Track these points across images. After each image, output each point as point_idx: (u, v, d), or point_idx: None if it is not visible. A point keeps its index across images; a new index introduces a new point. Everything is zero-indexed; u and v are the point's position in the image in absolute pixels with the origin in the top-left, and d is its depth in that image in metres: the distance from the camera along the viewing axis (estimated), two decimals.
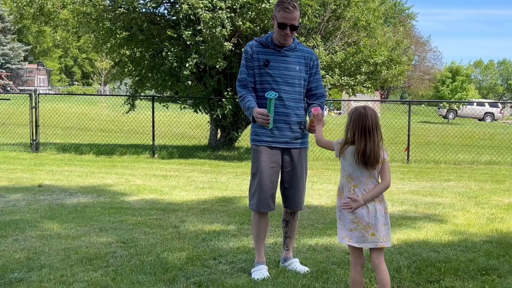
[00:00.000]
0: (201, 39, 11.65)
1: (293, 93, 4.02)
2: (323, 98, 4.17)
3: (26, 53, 60.66)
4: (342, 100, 29.09)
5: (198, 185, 8.59)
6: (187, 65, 11.79)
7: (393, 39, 15.15)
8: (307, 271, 4.05)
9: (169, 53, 12.34)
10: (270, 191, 4.00)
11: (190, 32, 11.70)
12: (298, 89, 4.05)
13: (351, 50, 13.86)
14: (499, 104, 42.14)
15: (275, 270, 4.07)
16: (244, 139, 14.60)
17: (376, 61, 13.62)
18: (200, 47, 11.78)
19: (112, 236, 5.11)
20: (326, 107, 37.88)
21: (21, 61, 56.44)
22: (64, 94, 34.43)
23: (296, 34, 4.29)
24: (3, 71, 52.18)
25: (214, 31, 11.29)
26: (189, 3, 11.33)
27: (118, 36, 12.93)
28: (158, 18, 13.41)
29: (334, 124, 20.49)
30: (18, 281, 3.80)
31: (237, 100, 13.02)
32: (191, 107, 14.70)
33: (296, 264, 4.16)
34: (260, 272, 3.93)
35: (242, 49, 12.31)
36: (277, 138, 4.00)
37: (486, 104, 40.95)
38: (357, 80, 13.62)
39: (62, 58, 72.79)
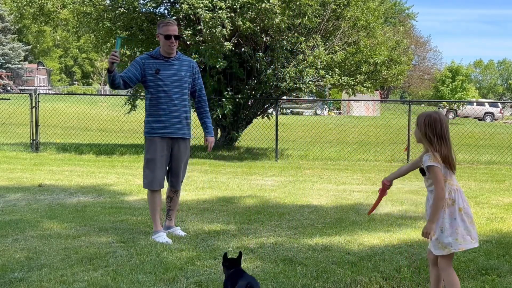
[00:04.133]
0: (201, 39, 11.65)
1: (181, 94, 5.08)
2: (206, 101, 5.38)
3: (26, 53, 60.66)
4: (342, 100, 29.08)
5: (198, 185, 8.59)
6: None
7: (393, 39, 15.13)
8: (185, 235, 5.17)
9: None
10: (161, 173, 5.05)
11: (190, 32, 11.70)
12: (185, 90, 5.13)
13: (351, 50, 13.84)
14: (499, 104, 42.12)
15: (275, 270, 4.08)
16: (244, 139, 14.60)
17: (376, 61, 13.61)
18: (200, 47, 11.78)
19: (112, 236, 5.11)
20: (326, 106, 37.85)
21: (21, 61, 56.44)
22: (64, 94, 34.44)
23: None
24: (3, 71, 52.16)
25: (214, 31, 11.29)
26: (189, 3, 11.33)
27: (118, 35, 12.94)
28: (158, 18, 13.40)
29: (334, 124, 20.49)
30: (18, 280, 3.80)
31: (237, 100, 13.06)
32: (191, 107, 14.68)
33: (178, 231, 5.23)
34: (161, 237, 4.91)
35: (243, 49, 12.48)
36: (168, 130, 5.03)
37: (486, 104, 40.92)
38: (357, 80, 13.61)
39: (62, 58, 72.81)
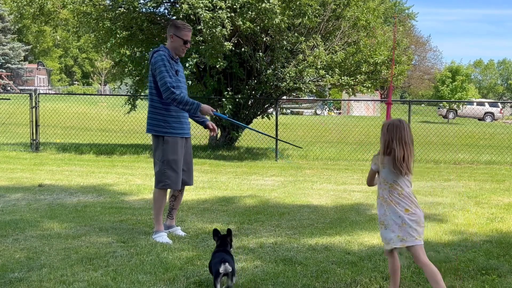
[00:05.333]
0: (201, 39, 11.65)
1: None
2: None
3: (26, 53, 60.66)
4: (342, 100, 29.09)
5: (198, 184, 8.58)
6: (187, 64, 11.79)
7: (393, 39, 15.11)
8: (185, 235, 5.17)
9: None
10: (181, 173, 5.09)
11: None
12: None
13: (351, 50, 13.84)
14: (499, 104, 42.12)
15: (275, 270, 4.08)
16: (244, 139, 14.60)
17: (376, 60, 13.60)
18: (200, 47, 11.78)
19: (112, 236, 5.12)
20: (326, 106, 37.85)
21: (21, 61, 56.46)
22: (64, 94, 34.42)
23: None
24: (3, 71, 52.17)
25: (214, 30, 11.29)
26: (189, 2, 11.33)
27: (118, 35, 12.93)
28: (158, 18, 13.40)
29: (334, 124, 20.50)
30: (18, 280, 3.80)
31: (237, 100, 13.06)
32: None
33: (178, 231, 5.24)
34: (162, 237, 4.93)
35: (243, 49, 12.48)
36: (185, 130, 5.17)
37: (486, 104, 40.93)
38: (357, 80, 13.60)
39: (62, 58, 72.81)
